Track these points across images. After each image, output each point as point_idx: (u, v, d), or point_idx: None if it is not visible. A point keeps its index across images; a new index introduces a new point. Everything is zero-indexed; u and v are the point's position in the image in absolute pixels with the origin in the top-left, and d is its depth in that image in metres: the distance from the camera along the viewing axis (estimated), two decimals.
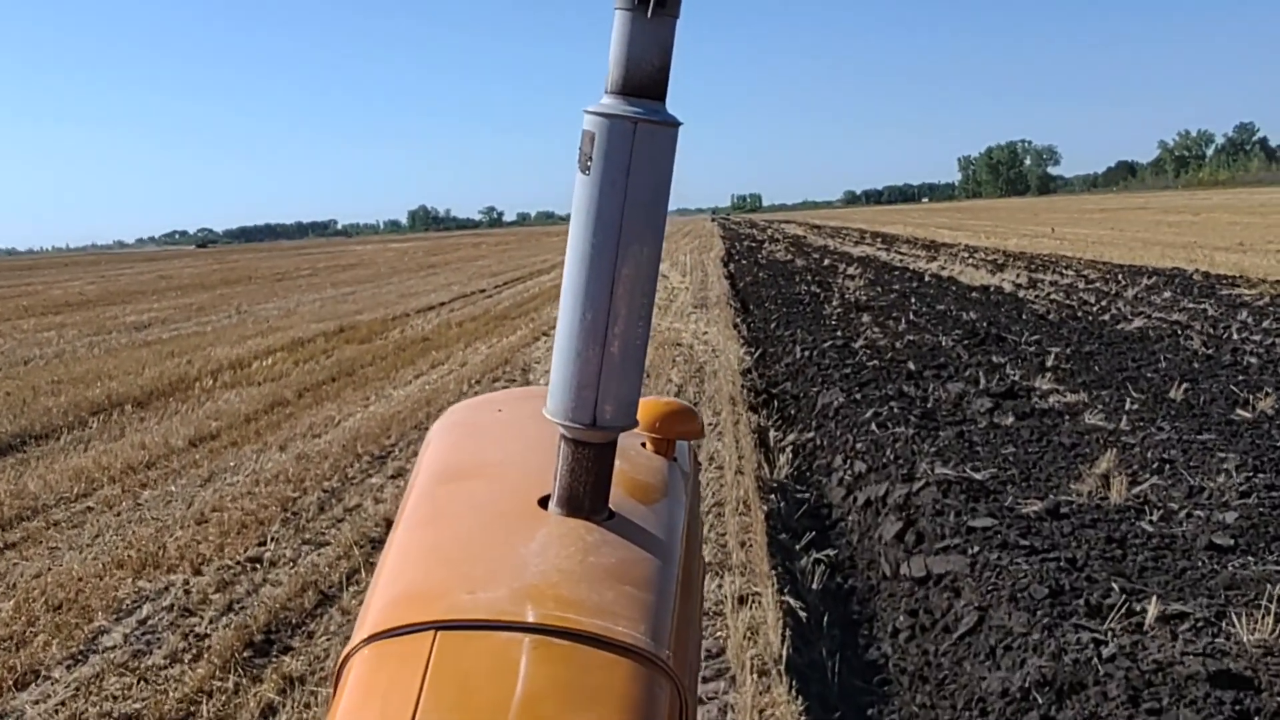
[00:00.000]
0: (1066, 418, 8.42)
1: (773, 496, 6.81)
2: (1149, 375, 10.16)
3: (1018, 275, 22.38)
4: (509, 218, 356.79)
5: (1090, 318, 14.93)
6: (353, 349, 15.40)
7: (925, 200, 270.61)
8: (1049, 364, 10.91)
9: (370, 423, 9.57)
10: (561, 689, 1.21)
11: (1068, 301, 17.14)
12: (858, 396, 9.64)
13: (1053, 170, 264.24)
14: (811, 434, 9.26)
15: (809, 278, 25.20)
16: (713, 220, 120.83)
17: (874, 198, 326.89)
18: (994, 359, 11.49)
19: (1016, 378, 10.22)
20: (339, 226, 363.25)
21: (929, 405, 9.22)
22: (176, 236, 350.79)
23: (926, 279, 23.28)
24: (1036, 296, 18.10)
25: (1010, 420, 8.33)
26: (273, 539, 6.33)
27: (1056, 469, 6.89)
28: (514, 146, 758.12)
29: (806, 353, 13.00)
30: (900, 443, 7.68)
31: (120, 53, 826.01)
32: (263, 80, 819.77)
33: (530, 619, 1.26)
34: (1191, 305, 15.43)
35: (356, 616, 1.40)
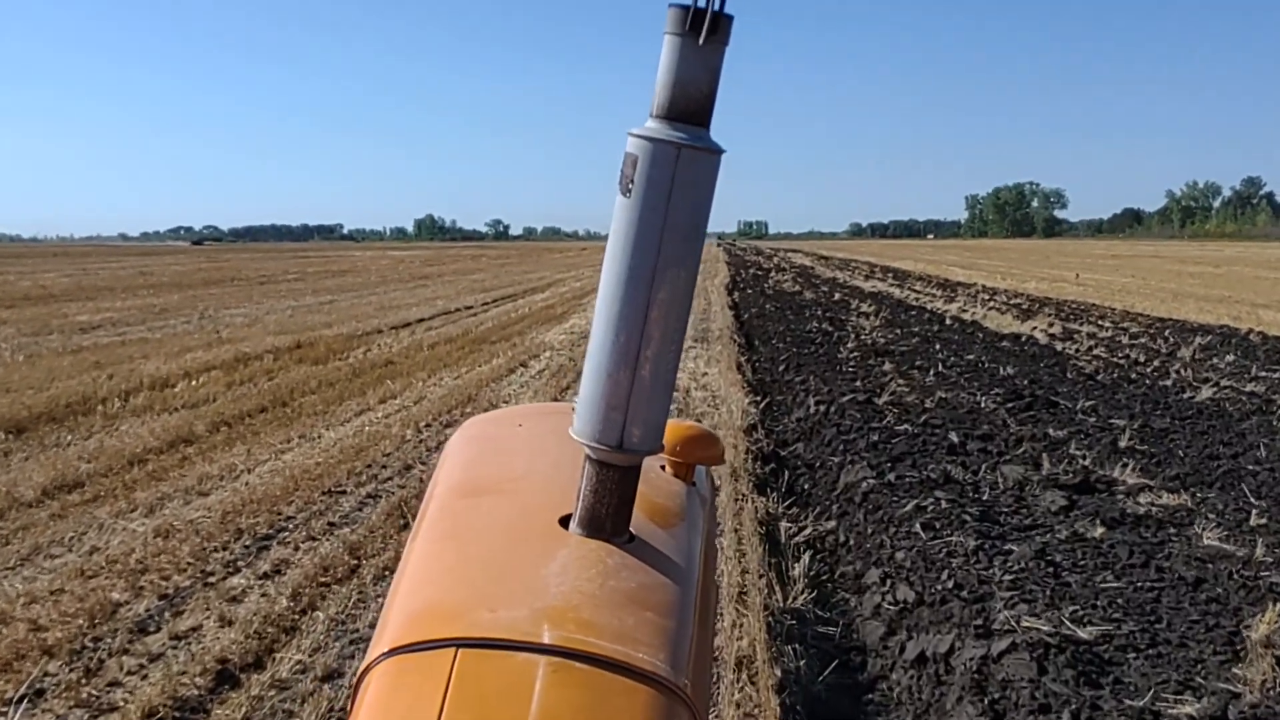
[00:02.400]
0: (1173, 530, 6.47)
1: (790, 648, 4.81)
2: (1251, 467, 8.21)
3: (1050, 324, 20.43)
4: (515, 231, 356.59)
5: (1148, 381, 12.97)
6: (302, 370, 13.45)
7: (930, 236, 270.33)
8: (1122, 444, 8.96)
9: (276, 479, 7.60)
10: (580, 713, 1.21)
11: (1115, 359, 15.19)
12: (891, 477, 7.69)
13: (1059, 213, 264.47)
14: (833, 523, 7.32)
15: (819, 313, 23.25)
16: (719, 245, 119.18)
17: (879, 231, 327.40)
18: (1050, 431, 9.54)
19: (1087, 462, 8.27)
20: (345, 231, 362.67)
21: (984, 497, 7.27)
22: (181, 232, 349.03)
23: (948, 322, 21.35)
24: (1077, 351, 16.15)
25: (1099, 531, 6.36)
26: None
27: (1191, 626, 4.93)
28: (525, 161, 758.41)
29: (822, 406, 11.05)
30: (960, 559, 5.73)
31: (140, 45, 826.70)
32: (279, 81, 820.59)
33: (551, 641, 1.28)
34: (1266, 374, 13.47)
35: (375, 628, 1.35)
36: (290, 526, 6.52)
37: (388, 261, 64.77)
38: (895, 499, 7.10)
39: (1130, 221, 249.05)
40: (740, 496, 7.26)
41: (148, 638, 4.80)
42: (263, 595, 5.27)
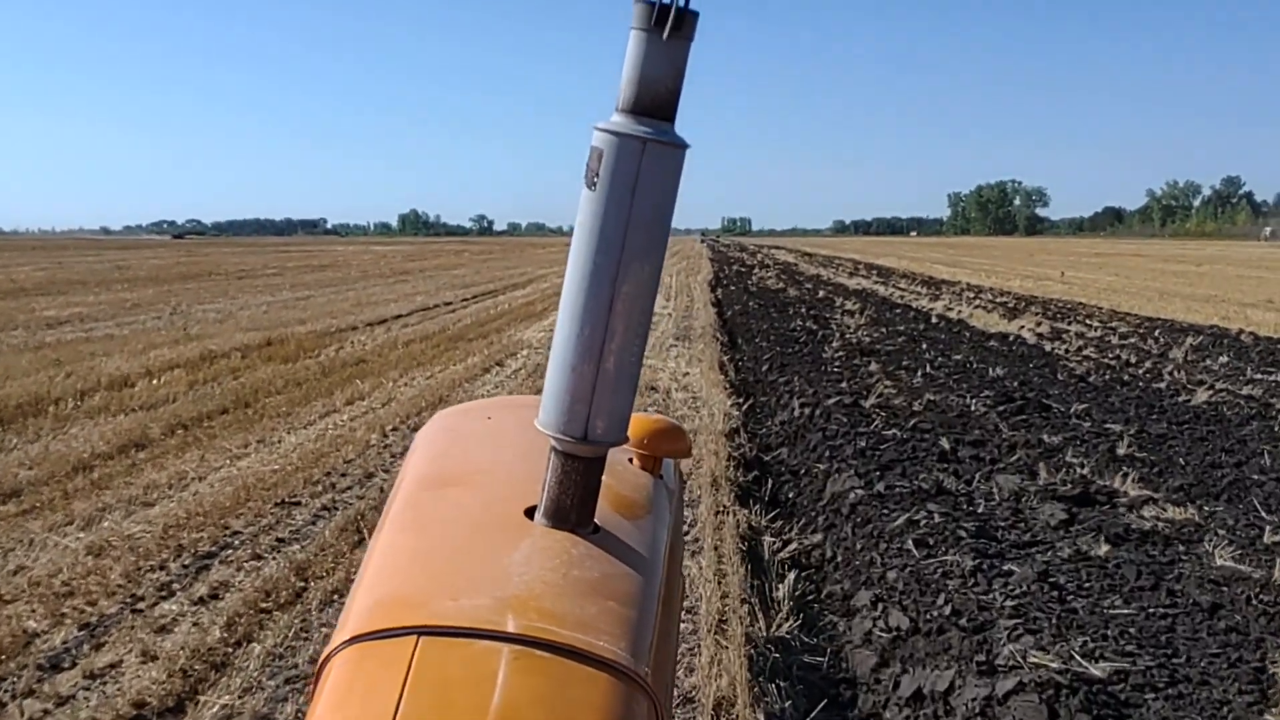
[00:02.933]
0: (1182, 548, 6.07)
1: (774, 684, 4.38)
2: (1257, 477, 7.83)
3: (1037, 323, 20.07)
4: (499, 227, 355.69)
5: (1140, 384, 12.60)
6: (270, 369, 12.97)
7: (913, 234, 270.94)
8: (1120, 451, 8.57)
9: (227, 489, 7.13)
10: (541, 701, 1.22)
11: (1105, 360, 14.82)
12: (880, 488, 7.28)
13: (1041, 211, 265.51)
14: (819, 536, 6.91)
15: (803, 310, 22.86)
16: (702, 241, 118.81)
17: (863, 228, 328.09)
18: (1045, 437, 9.14)
19: (1086, 471, 7.88)
20: (329, 225, 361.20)
21: (979, 510, 6.87)
22: (164, 226, 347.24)
23: (934, 320, 20.98)
24: (1067, 351, 15.78)
25: (1104, 549, 5.96)
26: None
27: (1211, 660, 4.52)
28: (509, 157, 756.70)
29: (807, 409, 10.64)
30: (957, 581, 5.32)
31: (121, 39, 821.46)
32: (262, 76, 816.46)
33: (512, 629, 1.28)
34: (1262, 376, 13.12)
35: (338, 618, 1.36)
36: (235, 543, 6.04)
37: (369, 257, 64.10)
38: (885, 511, 6.69)
39: (1111, 220, 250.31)
40: (721, 509, 6.83)
41: (60, 675, 4.32)
42: (195, 624, 4.80)
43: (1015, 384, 12.44)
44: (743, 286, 32.41)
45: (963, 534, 6.11)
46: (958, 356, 15.00)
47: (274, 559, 5.75)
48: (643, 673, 1.32)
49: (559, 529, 1.55)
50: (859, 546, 6.35)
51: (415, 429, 9.02)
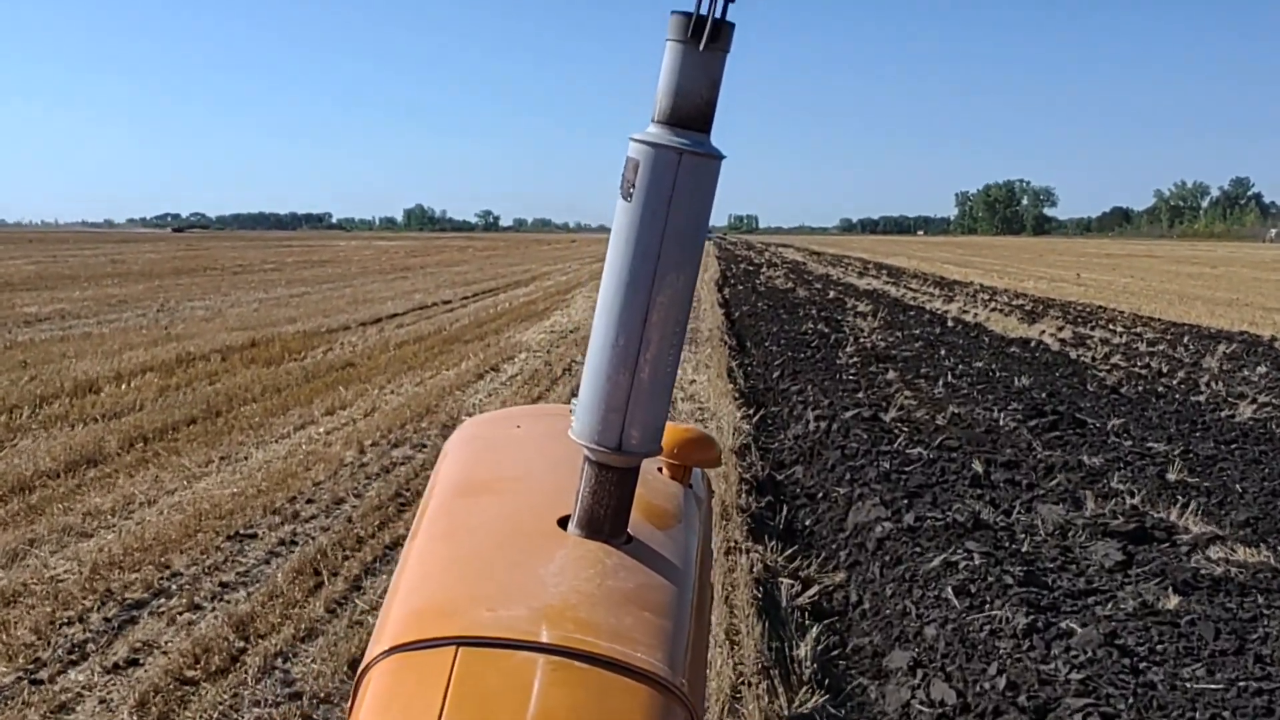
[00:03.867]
0: (1262, 599, 5.29)
1: None
2: None
3: (1059, 328, 19.26)
4: (505, 222, 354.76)
5: (1177, 396, 11.80)
6: (251, 373, 12.22)
7: (920, 233, 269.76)
8: (1170, 476, 7.78)
9: (175, 517, 6.36)
10: (580, 712, 1.22)
11: (1136, 369, 14.03)
12: (909, 519, 6.50)
13: (1048, 211, 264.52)
14: (842, 574, 6.14)
15: (814, 312, 22.07)
16: (709, 240, 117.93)
17: (869, 227, 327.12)
18: (1084, 458, 8.36)
19: (1136, 501, 7.09)
20: (333, 220, 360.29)
21: (1024, 549, 6.08)
22: (168, 219, 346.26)
23: (950, 323, 20.19)
24: (1094, 359, 14.97)
25: (1173, 601, 5.17)
26: None
27: None
28: (516, 152, 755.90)
29: (823, 422, 9.87)
30: (1008, 644, 4.55)
31: (126, 31, 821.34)
32: (268, 71, 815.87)
33: (550, 640, 1.28)
34: None
35: (374, 627, 1.40)
36: (172, 588, 5.25)
37: (371, 252, 63.37)
38: (917, 549, 5.91)
39: (1119, 220, 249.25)
40: (733, 546, 6.05)
41: None
42: (101, 702, 4.02)
43: (1043, 395, 11.65)
44: (750, 286, 31.63)
45: (1009, 579, 5.32)
46: (979, 364, 14.22)
47: (213, 611, 4.97)
48: (680, 683, 1.32)
49: (593, 539, 1.55)
50: (889, 592, 5.58)
51: (395, 445, 8.29)
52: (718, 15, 1.40)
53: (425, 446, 8.41)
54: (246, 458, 8.03)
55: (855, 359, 14.33)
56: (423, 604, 1.42)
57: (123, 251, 53.48)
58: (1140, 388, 12.34)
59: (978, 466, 7.86)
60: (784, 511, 7.47)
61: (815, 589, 5.77)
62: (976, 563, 5.57)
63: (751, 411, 10.85)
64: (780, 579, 5.80)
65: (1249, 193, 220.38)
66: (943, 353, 15.34)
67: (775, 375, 13.50)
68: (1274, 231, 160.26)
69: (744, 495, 7.44)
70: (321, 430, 9.06)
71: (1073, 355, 15.37)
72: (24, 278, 30.32)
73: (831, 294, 28.93)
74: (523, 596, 1.38)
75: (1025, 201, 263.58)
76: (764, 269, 44.35)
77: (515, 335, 17.28)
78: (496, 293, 28.24)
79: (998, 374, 13.29)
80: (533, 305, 23.68)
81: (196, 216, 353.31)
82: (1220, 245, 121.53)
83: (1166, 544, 6.17)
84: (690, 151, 1.42)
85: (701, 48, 1.40)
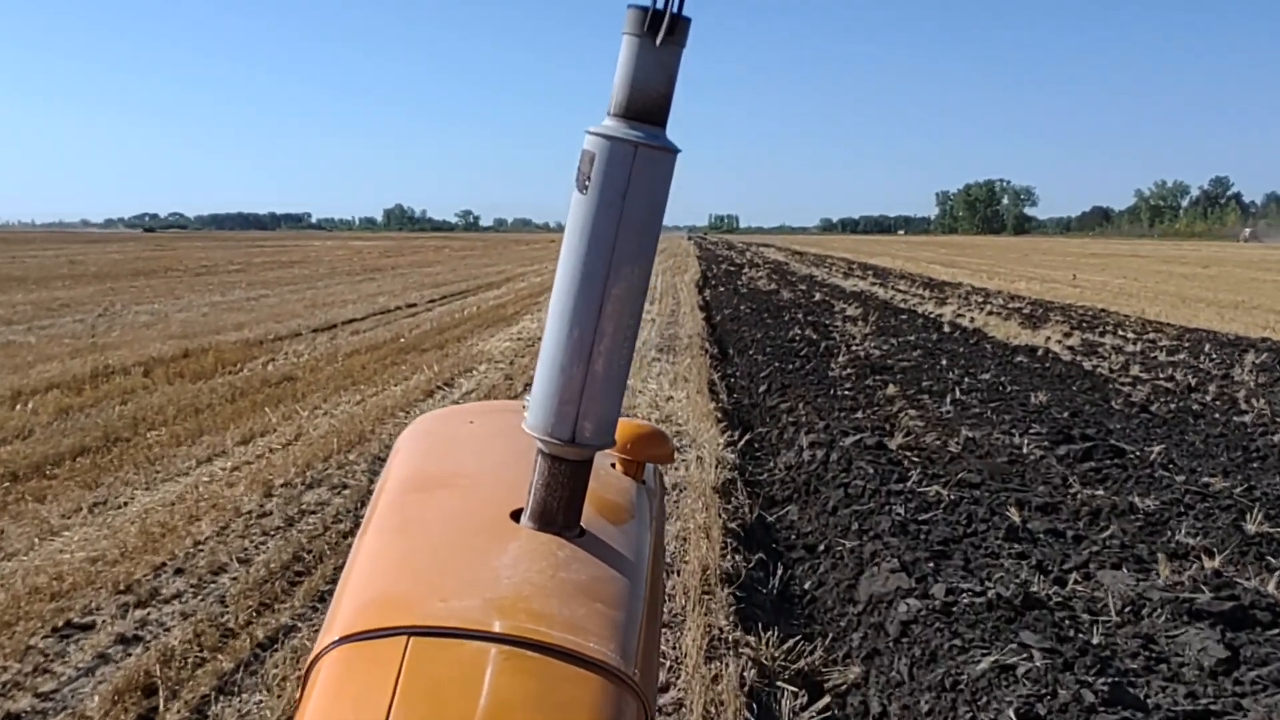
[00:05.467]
0: None
1: None
2: None
3: (1065, 334, 17.93)
4: (485, 222, 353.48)
5: (1219, 417, 10.47)
6: (172, 390, 10.78)
7: (901, 232, 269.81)
8: (1249, 527, 6.41)
9: None
10: (532, 701, 1.22)
11: (1159, 381, 12.71)
12: (939, 592, 5.14)
13: (1029, 211, 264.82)
14: (857, 669, 4.78)
15: (800, 316, 20.70)
16: (689, 239, 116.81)
17: (850, 226, 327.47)
18: (1135, 500, 7.01)
19: (1217, 562, 5.73)
20: (313, 220, 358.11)
21: (1093, 639, 4.72)
22: (146, 219, 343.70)
23: (947, 329, 18.85)
24: (1112, 371, 13.64)
25: None
26: None
27: None
28: (496, 152, 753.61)
29: (819, 451, 8.51)
30: None
31: (106, 34, 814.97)
32: (251, 70, 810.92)
33: (502, 630, 1.28)
34: None
35: (323, 620, 1.37)
36: None
37: (345, 252, 61.76)
38: (956, 641, 4.55)
39: (1099, 220, 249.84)
40: (718, 641, 4.65)
41: None
42: None
43: (1065, 414, 10.32)
44: (732, 288, 30.25)
45: (1089, 697, 3.96)
46: (985, 376, 12.88)
47: None
48: (632, 674, 1.31)
49: (545, 532, 1.54)
50: (924, 706, 4.21)
51: (309, 487, 6.88)
52: (675, 10, 1.40)
53: (346, 489, 7.00)
54: (126, 504, 6.61)
55: (849, 370, 12.98)
56: (374, 595, 1.39)
57: (86, 252, 51.77)
58: (1172, 405, 11.02)
59: (1014, 515, 6.49)
60: (778, 571, 6.09)
61: (825, 699, 4.39)
62: (1039, 665, 4.21)
63: (736, 435, 9.47)
64: (779, 683, 4.41)
65: (1229, 192, 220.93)
66: (944, 363, 13.99)
67: (762, 389, 12.13)
68: (1248, 231, 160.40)
69: (730, 554, 6.04)
70: (229, 464, 7.63)
71: (1087, 366, 14.04)
72: None
73: (817, 296, 27.58)
74: (475, 587, 1.36)
75: (1006, 201, 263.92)
76: (746, 269, 43.00)
77: (478, 343, 15.86)
78: (466, 295, 26.79)
79: (1008, 388, 11.96)
80: (502, 309, 22.25)
81: (175, 216, 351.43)
82: (1204, 245, 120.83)
83: (1276, 629, 4.82)
84: (646, 145, 1.41)
85: (658, 42, 1.40)
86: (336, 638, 1.29)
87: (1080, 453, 8.51)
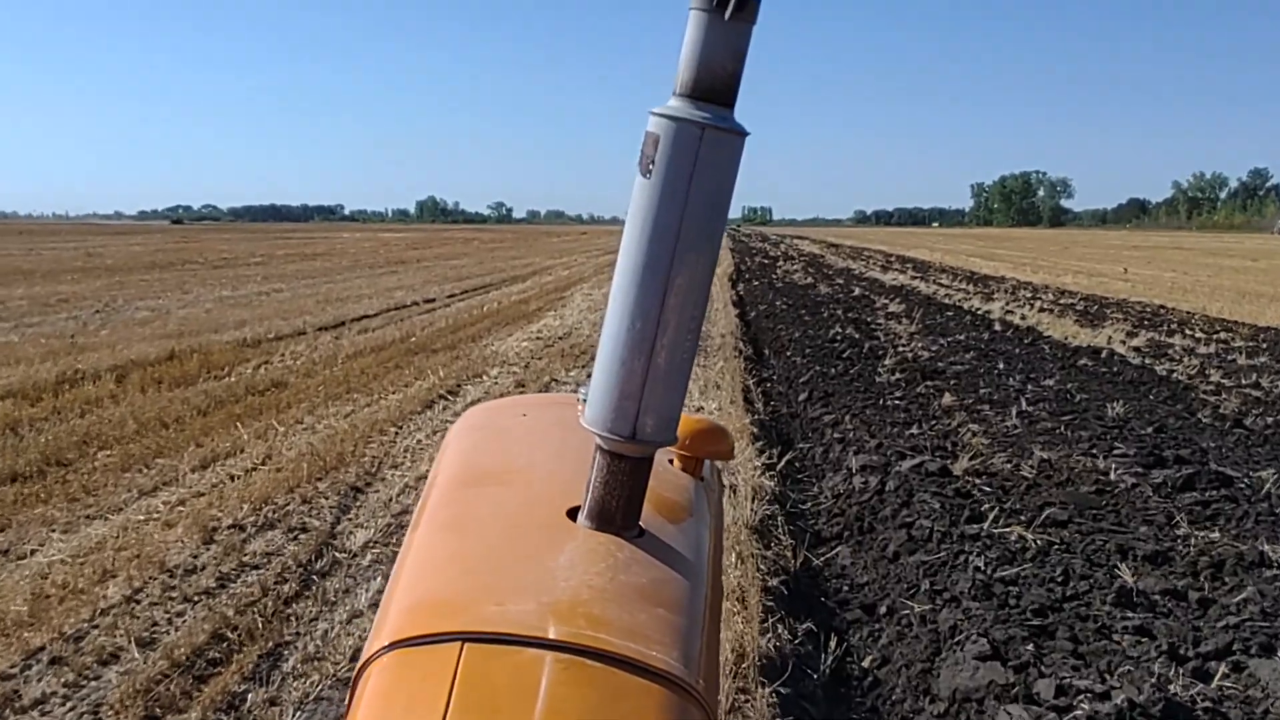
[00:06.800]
0: None
1: None
2: None
3: (1128, 333, 16.54)
4: (518, 214, 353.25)
5: None
6: (144, 399, 9.66)
7: (935, 225, 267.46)
8: None
9: None
10: (592, 713, 1.16)
11: (1244, 388, 11.35)
12: (1044, 689, 3.91)
13: (1064, 203, 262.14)
14: None
15: (840, 312, 19.39)
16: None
17: (884, 218, 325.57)
18: (1264, 548, 5.72)
19: None
20: (346, 212, 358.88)
21: None
22: (179, 210, 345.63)
23: (998, 327, 17.51)
24: (1191, 377, 12.28)
25: None
26: None
27: None
28: (530, 143, 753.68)
29: (873, 477, 7.27)
30: None
31: (144, 23, 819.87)
32: (285, 62, 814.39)
33: (560, 637, 1.23)
34: None
35: (374, 621, 1.33)
36: None
37: (372, 244, 60.78)
38: None
39: (1136, 212, 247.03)
40: None
41: None
42: None
43: (1149, 429, 9.02)
44: (767, 282, 28.94)
45: None
46: (1049, 382, 11.57)
47: None
48: (696, 683, 1.25)
49: (603, 531, 1.49)
50: None
51: (266, 526, 5.73)
52: None
53: (304, 532, 5.80)
54: (32, 552, 5.43)
55: (898, 375, 11.71)
56: (425, 597, 1.35)
57: (107, 244, 51.02)
58: (1270, 419, 9.68)
59: (1124, 572, 5.22)
60: (831, 643, 4.85)
61: None
62: None
63: (775, 454, 8.24)
64: None
65: (1268, 184, 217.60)
66: (1001, 366, 12.68)
67: (801, 397, 10.89)
68: None
69: (770, 618, 4.82)
70: (174, 498, 6.44)
71: (1160, 370, 12.69)
72: None
73: (856, 290, 26.24)
74: (531, 590, 1.31)
75: (1041, 193, 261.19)
76: (780, 262, 41.65)
77: (494, 343, 14.67)
78: (489, 289, 25.61)
79: (1077, 397, 10.65)
80: (524, 305, 21.05)
81: (208, 209, 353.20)
82: (1245, 238, 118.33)
83: None
84: (713, 126, 1.35)
85: (727, 17, 1.33)
86: (387, 643, 1.24)
87: (1179, 480, 7.21)
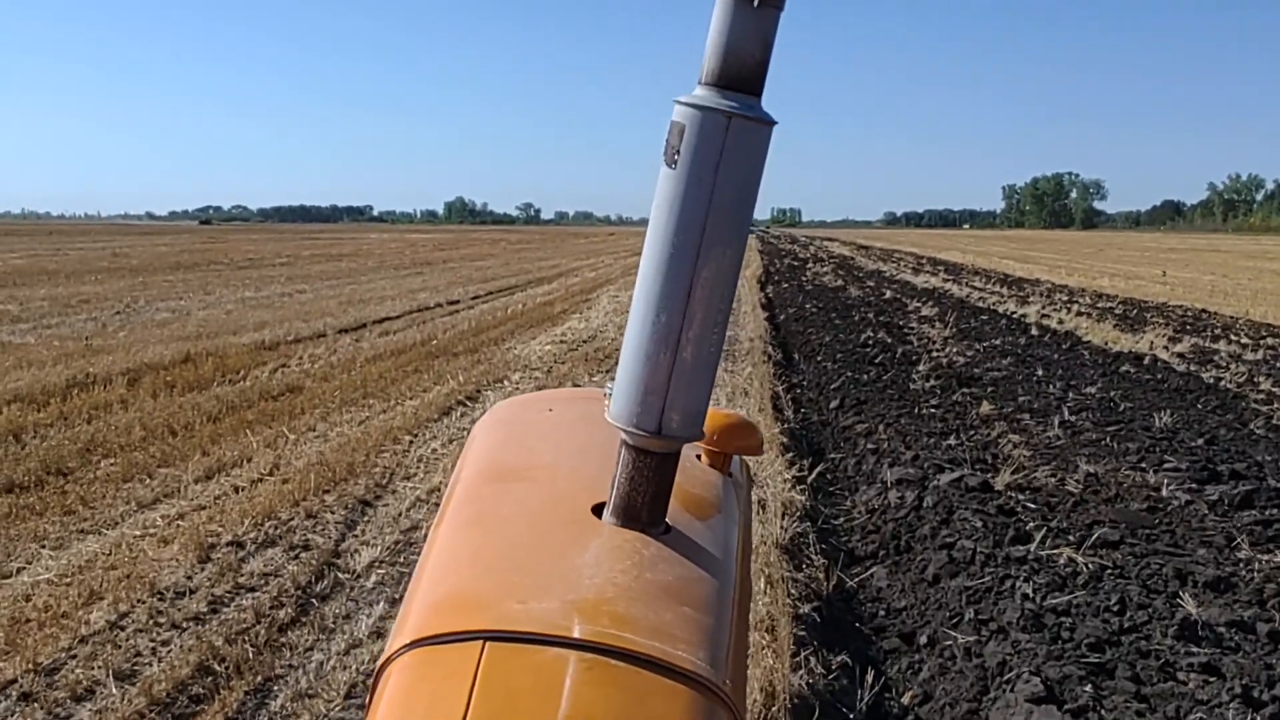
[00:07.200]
0: None
1: None
2: None
3: (1170, 338, 16.04)
4: (546, 215, 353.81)
5: None
6: (155, 404, 9.38)
7: (966, 226, 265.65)
8: None
9: None
10: (617, 715, 1.13)
11: None
12: None
13: (1096, 205, 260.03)
14: None
15: (871, 316, 18.97)
16: (751, 232, 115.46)
17: (914, 220, 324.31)
18: None
19: None
20: (375, 213, 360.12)
21: None
22: (210, 211, 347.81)
23: (1035, 332, 17.04)
24: (1240, 384, 11.81)
25: None
26: None
27: None
28: (559, 144, 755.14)
29: (910, 492, 6.89)
30: None
31: (170, 23, 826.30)
32: (321, 63, 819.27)
33: (584, 636, 1.19)
34: None
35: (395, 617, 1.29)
36: None
37: (399, 245, 60.72)
38: None
39: (1170, 214, 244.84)
40: None
41: None
42: None
43: (1200, 441, 8.59)
44: (796, 284, 28.52)
45: None
46: (1091, 389, 11.13)
47: None
48: (723, 684, 1.21)
49: (629, 528, 1.46)
50: None
51: (266, 544, 5.41)
52: None
53: (306, 550, 5.47)
54: (19, 570, 5.10)
55: (933, 382, 11.30)
56: (448, 595, 1.32)
57: (134, 245, 51.08)
58: None
59: (1186, 602, 4.82)
60: (868, 676, 4.46)
61: None
62: None
63: (805, 465, 7.87)
64: None
65: None
66: (1040, 373, 12.25)
67: (833, 405, 10.50)
68: None
69: (802, 651, 4.45)
70: (174, 511, 6.13)
71: (1206, 377, 12.23)
72: (1, 273, 27.72)
73: (887, 293, 25.78)
74: (555, 588, 1.28)
75: (1074, 195, 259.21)
76: (810, 264, 41.20)
77: (516, 346, 14.35)
78: (514, 291, 25.31)
79: (1122, 405, 10.21)
80: (549, 307, 20.73)
81: (239, 209, 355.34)
82: None
83: None
84: (741, 115, 1.32)
85: (755, 3, 1.30)
86: (408, 641, 1.21)
87: (1237, 498, 6.79)
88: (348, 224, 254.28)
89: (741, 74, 1.33)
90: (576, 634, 1.20)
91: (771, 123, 1.36)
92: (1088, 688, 3.96)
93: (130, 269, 31.16)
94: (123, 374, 10.70)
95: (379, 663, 1.25)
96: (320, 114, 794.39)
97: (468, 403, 9.88)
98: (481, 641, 1.18)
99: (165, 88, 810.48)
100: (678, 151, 1.34)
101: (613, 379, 1.46)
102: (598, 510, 1.52)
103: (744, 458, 2.11)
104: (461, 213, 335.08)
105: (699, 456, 1.90)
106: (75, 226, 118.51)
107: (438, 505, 5.81)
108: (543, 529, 1.51)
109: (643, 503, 1.46)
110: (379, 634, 4.39)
